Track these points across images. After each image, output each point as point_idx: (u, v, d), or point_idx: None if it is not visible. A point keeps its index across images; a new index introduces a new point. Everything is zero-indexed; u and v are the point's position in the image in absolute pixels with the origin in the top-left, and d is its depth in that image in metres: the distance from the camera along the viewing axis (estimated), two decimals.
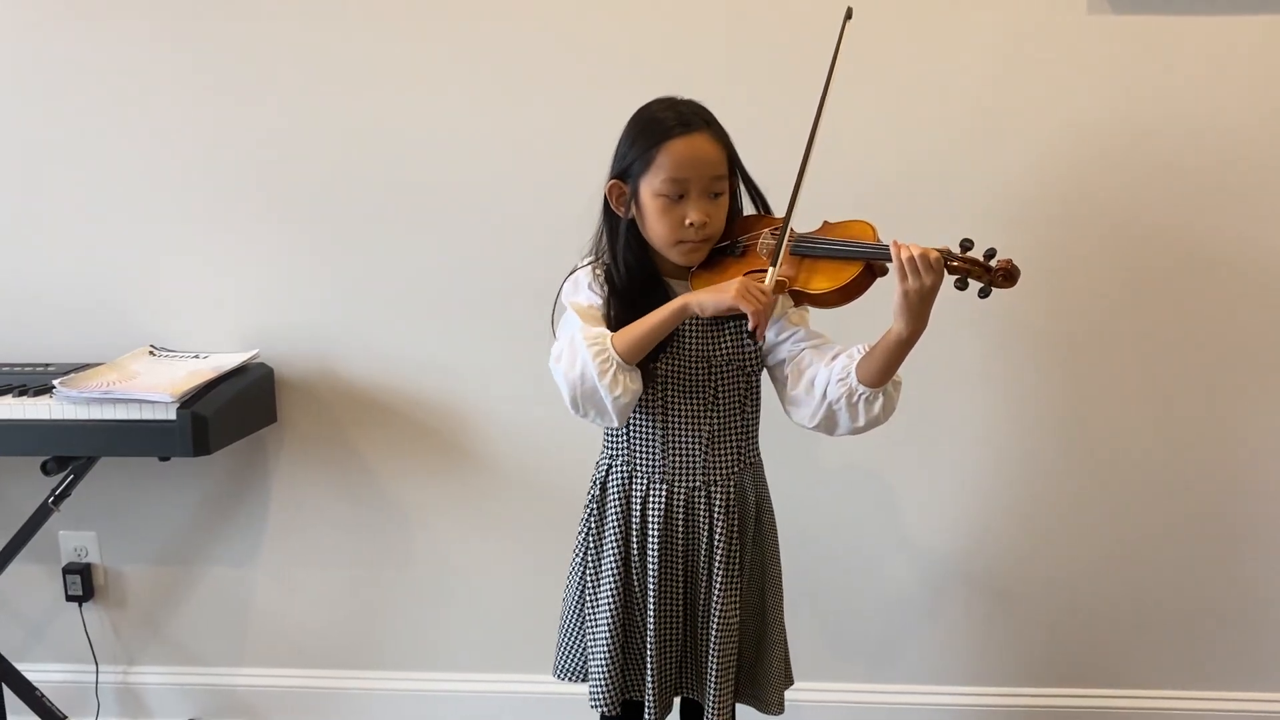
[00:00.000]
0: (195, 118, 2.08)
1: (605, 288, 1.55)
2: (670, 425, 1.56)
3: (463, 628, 2.27)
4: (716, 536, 1.56)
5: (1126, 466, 2.09)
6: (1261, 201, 1.97)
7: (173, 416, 1.88)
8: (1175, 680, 2.17)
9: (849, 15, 1.51)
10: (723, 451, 1.57)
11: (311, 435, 2.20)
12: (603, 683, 1.59)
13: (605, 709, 1.60)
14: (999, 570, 2.16)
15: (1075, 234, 2.00)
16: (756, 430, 1.63)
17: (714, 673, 1.58)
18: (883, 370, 1.43)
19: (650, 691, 1.58)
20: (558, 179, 2.00)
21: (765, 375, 1.62)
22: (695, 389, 1.55)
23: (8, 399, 1.94)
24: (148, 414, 1.90)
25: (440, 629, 2.27)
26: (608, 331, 1.47)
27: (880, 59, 1.96)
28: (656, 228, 1.51)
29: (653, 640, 1.57)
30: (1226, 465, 2.08)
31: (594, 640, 1.61)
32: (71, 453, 1.95)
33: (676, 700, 1.67)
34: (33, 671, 2.20)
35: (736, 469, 1.59)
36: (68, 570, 2.28)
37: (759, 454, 1.65)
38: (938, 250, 1.38)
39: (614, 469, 1.60)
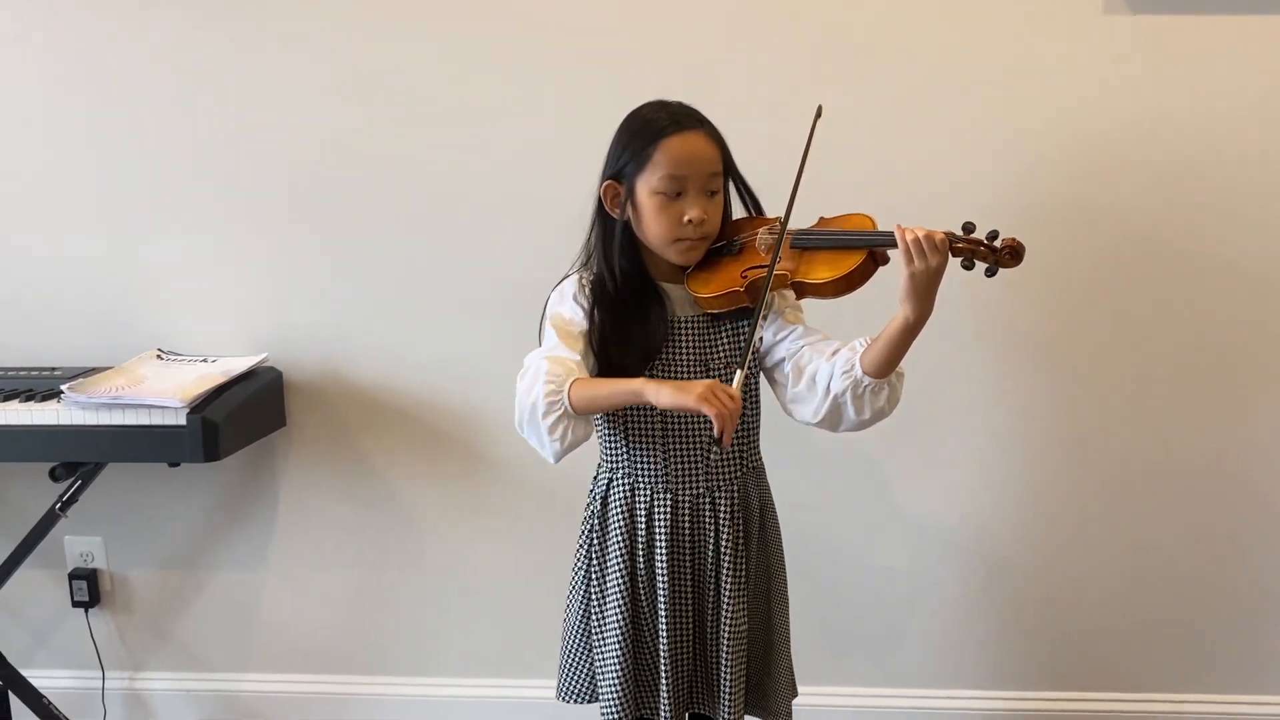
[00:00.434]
0: (202, 120, 2.07)
1: (591, 299, 1.53)
2: (670, 431, 1.53)
3: (471, 633, 2.26)
4: (723, 544, 1.54)
5: (1133, 471, 2.08)
6: None
7: (183, 422, 1.87)
8: (1182, 684, 2.16)
9: (819, 114, 1.50)
10: (724, 456, 1.55)
11: (320, 439, 2.19)
12: (615, 702, 1.56)
13: None
14: (1004, 573, 2.15)
15: (1089, 235, 1.99)
16: (757, 433, 1.62)
17: (726, 683, 1.56)
18: (889, 359, 1.43)
19: (666, 708, 1.56)
20: (568, 181, 1.95)
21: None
22: None
23: (14, 404, 1.93)
24: (157, 419, 1.88)
25: (449, 634, 2.26)
26: (572, 373, 1.44)
27: (894, 59, 1.95)
28: (654, 226, 1.50)
29: (666, 655, 1.55)
30: (1233, 467, 2.07)
31: (603, 660, 1.58)
32: (80, 459, 1.94)
33: (686, 715, 1.65)
34: (39, 678, 2.19)
35: (739, 473, 1.57)
36: (74, 576, 2.26)
37: (760, 457, 1.64)
38: (943, 232, 1.39)
39: (615, 482, 1.57)
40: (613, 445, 1.57)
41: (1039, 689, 2.18)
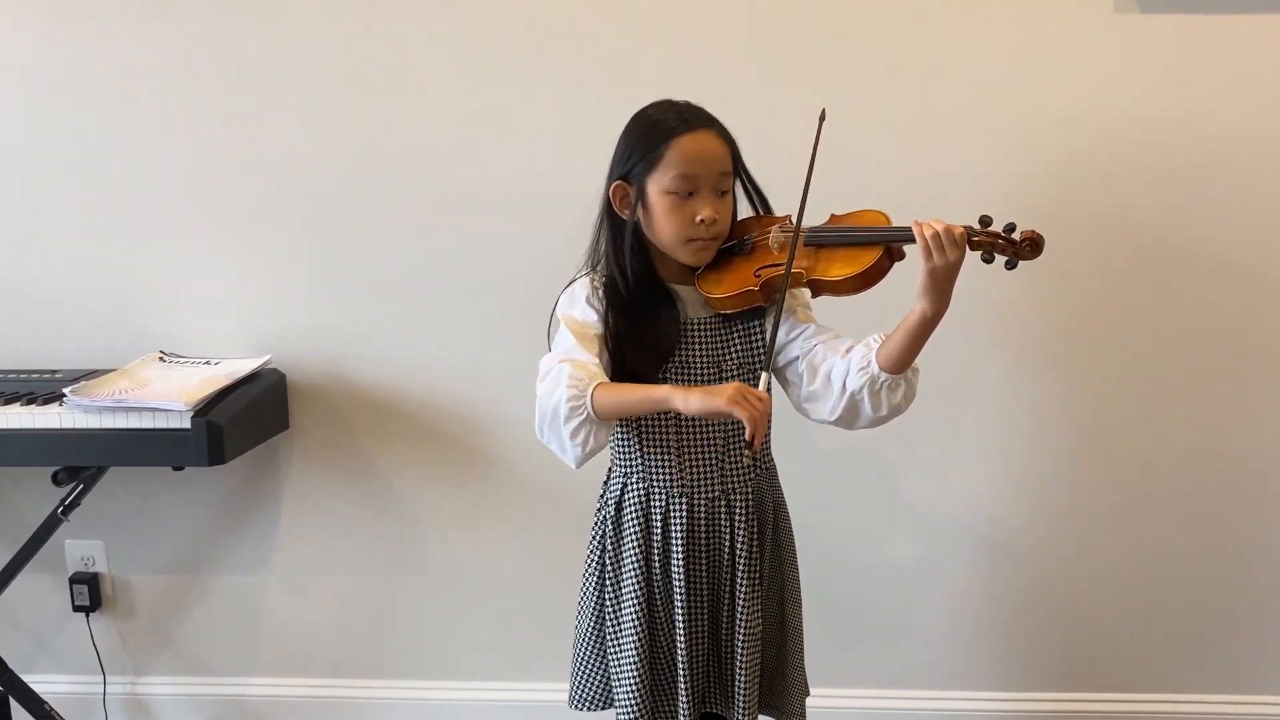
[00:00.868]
0: (206, 121, 2.05)
1: (604, 301, 1.52)
2: (685, 436, 1.53)
3: (477, 636, 2.24)
4: (739, 545, 1.54)
5: (1143, 471, 2.08)
6: None
7: (187, 425, 1.85)
8: (1193, 685, 2.16)
9: (823, 117, 1.50)
10: (739, 457, 1.54)
11: (324, 441, 2.17)
12: (632, 708, 1.55)
13: None
14: (1013, 574, 2.14)
15: (1097, 234, 1.98)
16: (770, 434, 1.60)
17: (741, 683, 1.55)
18: (906, 354, 1.43)
19: (684, 710, 1.55)
20: (574, 182, 1.94)
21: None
22: None
23: (15, 407, 1.90)
24: (161, 423, 1.86)
25: (455, 637, 2.25)
26: (595, 377, 1.42)
27: (902, 58, 1.94)
28: (666, 227, 1.49)
29: (684, 659, 1.54)
30: (1244, 468, 2.07)
31: (619, 666, 1.57)
32: (83, 463, 1.92)
33: (699, 716, 1.64)
34: (39, 683, 2.17)
35: (753, 474, 1.57)
36: (74, 580, 2.24)
37: (773, 457, 1.63)
38: (961, 226, 1.39)
39: (629, 487, 1.56)
40: (626, 449, 1.56)
41: (1048, 690, 2.18)
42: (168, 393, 1.88)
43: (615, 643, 1.57)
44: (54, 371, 2.08)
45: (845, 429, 1.54)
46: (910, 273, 1.42)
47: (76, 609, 2.25)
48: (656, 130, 1.48)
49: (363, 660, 2.27)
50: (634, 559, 1.54)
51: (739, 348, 1.54)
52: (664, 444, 1.53)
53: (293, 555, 2.23)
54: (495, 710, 2.25)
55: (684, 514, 1.53)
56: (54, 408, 1.89)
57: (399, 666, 2.27)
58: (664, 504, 1.54)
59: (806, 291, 1.52)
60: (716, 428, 1.52)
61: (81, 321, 2.14)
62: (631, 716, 1.55)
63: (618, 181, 1.51)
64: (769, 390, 1.40)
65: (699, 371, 1.52)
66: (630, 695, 1.55)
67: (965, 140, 1.96)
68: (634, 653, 1.54)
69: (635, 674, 1.54)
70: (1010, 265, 1.42)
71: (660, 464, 1.53)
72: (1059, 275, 1.96)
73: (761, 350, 1.53)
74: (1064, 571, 2.13)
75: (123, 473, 2.11)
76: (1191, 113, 1.93)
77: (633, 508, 1.55)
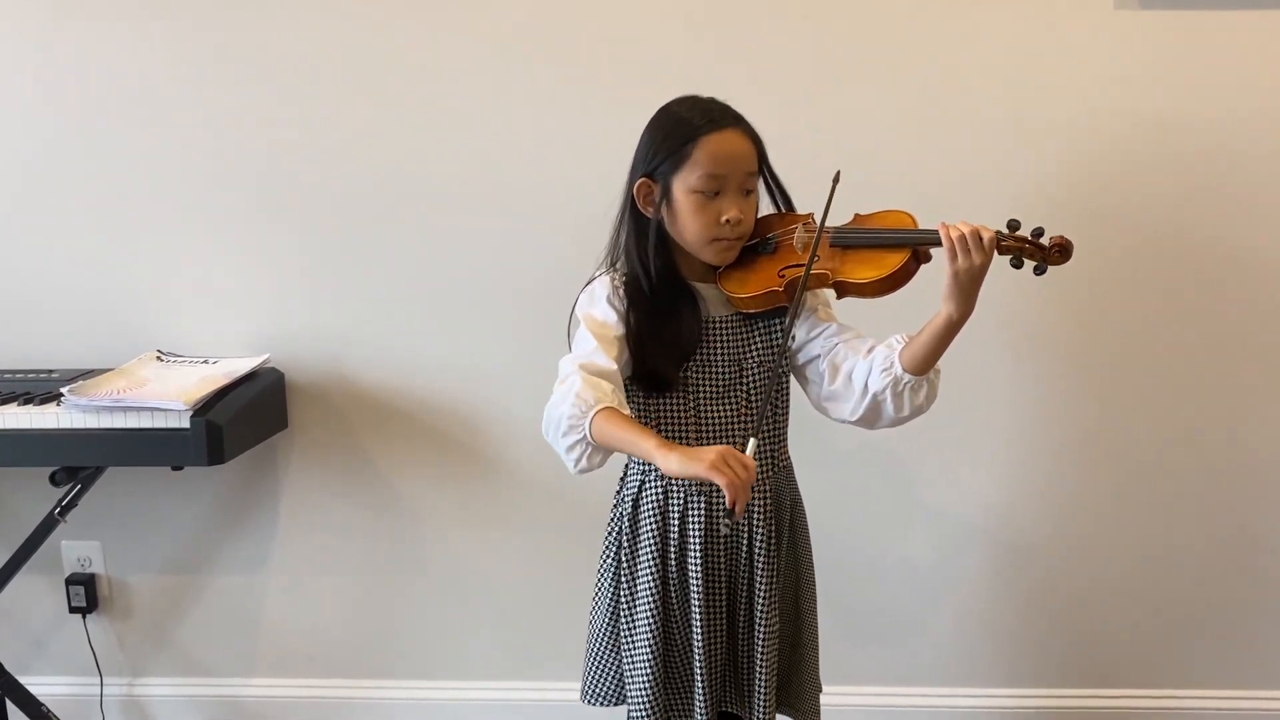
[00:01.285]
0: (203, 120, 2.04)
1: (625, 300, 1.51)
2: (704, 433, 1.52)
3: (478, 635, 2.23)
4: (756, 543, 1.53)
5: (1154, 469, 2.08)
6: None
7: (186, 425, 1.84)
8: (1203, 680, 2.16)
9: (837, 179, 1.47)
10: (757, 456, 1.53)
11: (322, 441, 2.16)
12: (645, 705, 1.54)
13: None
14: (1025, 571, 2.14)
15: (1102, 234, 1.98)
16: (787, 432, 1.61)
17: (760, 682, 1.55)
18: (929, 356, 1.42)
19: (701, 708, 1.55)
20: (575, 181, 1.97)
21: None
22: (727, 393, 1.52)
23: (12, 407, 1.89)
24: (160, 422, 1.85)
25: (455, 637, 2.24)
26: (602, 400, 1.38)
27: (903, 57, 1.94)
28: (691, 226, 1.47)
29: (701, 659, 1.54)
30: (1255, 465, 2.07)
31: (633, 662, 1.56)
32: (81, 463, 1.90)
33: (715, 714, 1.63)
34: (36, 685, 2.15)
35: (771, 473, 1.56)
36: (71, 581, 2.23)
37: (789, 456, 1.63)
38: (991, 229, 1.37)
39: (647, 485, 1.55)
40: None
41: (1058, 686, 2.18)
42: (166, 392, 1.87)
43: (629, 640, 1.57)
44: (51, 371, 2.07)
45: (866, 429, 1.53)
46: (930, 272, 1.42)
47: (73, 610, 2.23)
48: (683, 128, 1.46)
49: (362, 660, 2.26)
50: (650, 557, 1.54)
51: (760, 346, 1.54)
52: (683, 441, 1.51)
53: (292, 555, 2.22)
54: (496, 710, 2.24)
55: (702, 512, 1.52)
56: (51, 407, 1.87)
57: (399, 667, 2.26)
58: (682, 502, 1.53)
59: (830, 291, 1.51)
60: (735, 424, 1.52)
61: (79, 321, 2.12)
62: (643, 713, 1.55)
63: (642, 179, 1.49)
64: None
65: (720, 370, 1.52)
66: (643, 693, 1.55)
67: (962, 138, 1.96)
68: (648, 650, 1.54)
69: (649, 671, 1.54)
70: (1039, 271, 1.41)
71: None
72: (1065, 272, 1.94)
73: (781, 349, 1.52)
74: (1072, 569, 2.13)
75: (120, 473, 2.10)
76: (1191, 108, 1.93)
77: (650, 505, 1.54)
